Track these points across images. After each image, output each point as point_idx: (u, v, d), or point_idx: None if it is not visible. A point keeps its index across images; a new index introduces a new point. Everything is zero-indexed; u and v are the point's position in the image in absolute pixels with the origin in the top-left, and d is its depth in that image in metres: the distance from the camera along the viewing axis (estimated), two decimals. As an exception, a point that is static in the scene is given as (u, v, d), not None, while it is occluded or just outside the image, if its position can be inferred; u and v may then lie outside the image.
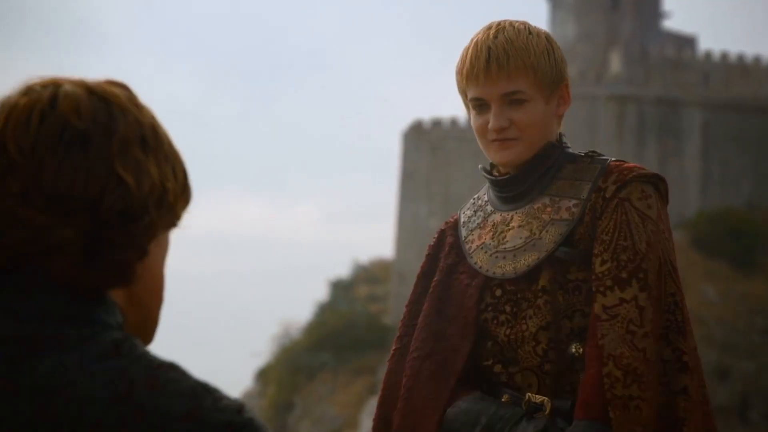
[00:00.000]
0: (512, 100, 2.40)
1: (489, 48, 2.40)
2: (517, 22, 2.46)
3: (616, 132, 57.20)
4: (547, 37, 2.45)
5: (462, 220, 2.58)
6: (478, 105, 2.44)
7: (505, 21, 2.46)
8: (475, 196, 2.61)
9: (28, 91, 1.30)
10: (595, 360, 2.29)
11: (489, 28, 2.44)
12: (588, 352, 2.32)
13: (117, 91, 1.33)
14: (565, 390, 2.36)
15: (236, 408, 1.24)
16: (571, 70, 58.63)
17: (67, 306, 1.27)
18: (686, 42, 62.34)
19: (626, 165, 2.44)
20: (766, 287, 45.27)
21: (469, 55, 2.43)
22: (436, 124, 54.25)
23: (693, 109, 57.95)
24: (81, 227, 1.27)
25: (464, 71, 2.43)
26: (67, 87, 1.30)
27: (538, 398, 2.36)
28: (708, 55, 59.66)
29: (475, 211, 2.56)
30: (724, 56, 59.77)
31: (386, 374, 2.55)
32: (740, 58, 59.83)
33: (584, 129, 54.78)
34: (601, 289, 2.33)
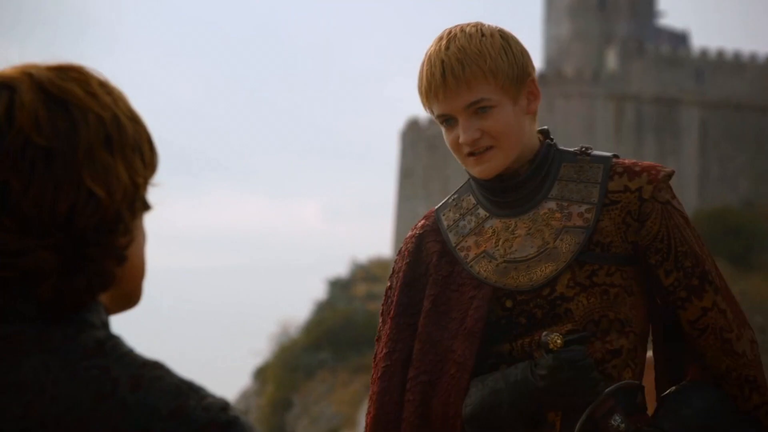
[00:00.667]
0: (478, 109, 2.30)
1: (442, 61, 2.29)
2: (468, 25, 2.35)
3: (614, 131, 57.22)
4: (502, 34, 2.34)
5: (445, 224, 2.44)
6: (445, 120, 2.34)
7: (455, 27, 2.35)
8: (454, 196, 2.48)
9: None
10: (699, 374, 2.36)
11: (440, 39, 2.34)
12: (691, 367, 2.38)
13: (72, 86, 1.27)
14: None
15: (221, 406, 1.23)
16: (567, 70, 58.68)
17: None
18: (678, 38, 62.33)
19: (638, 162, 2.38)
20: (763, 285, 45.31)
21: (424, 73, 2.32)
22: (433, 120, 54.33)
23: (691, 108, 57.95)
24: (56, 248, 1.24)
25: (423, 90, 2.33)
26: (23, 95, 1.24)
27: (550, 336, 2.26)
28: (704, 53, 59.64)
29: (463, 215, 2.43)
30: (720, 53, 59.74)
31: (377, 394, 2.39)
32: (736, 55, 59.82)
33: (582, 128, 54.80)
34: (678, 303, 2.31)
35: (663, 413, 2.30)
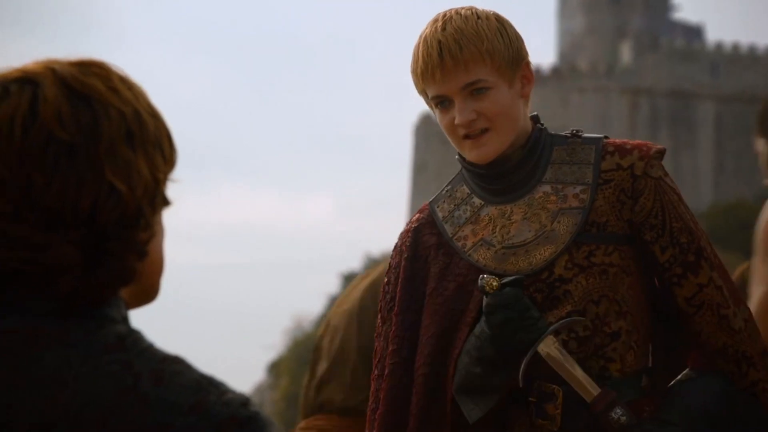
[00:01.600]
0: (474, 90, 2.30)
1: (439, 41, 2.29)
2: (463, 8, 2.35)
3: (628, 125, 57.07)
4: (497, 17, 2.34)
5: (440, 215, 2.44)
6: (441, 102, 2.33)
7: (450, 10, 2.35)
8: (447, 188, 2.48)
9: (4, 93, 1.25)
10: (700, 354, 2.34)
11: (435, 20, 2.34)
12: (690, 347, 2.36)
13: (94, 81, 1.27)
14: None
15: (241, 402, 1.24)
16: (581, 64, 58.56)
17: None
18: (693, 32, 62.12)
19: (628, 141, 2.38)
20: (779, 279, 44.99)
21: (420, 53, 2.32)
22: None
23: (705, 101, 57.74)
24: (79, 242, 1.25)
25: (419, 71, 2.32)
26: (46, 90, 1.25)
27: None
28: (719, 46, 59.38)
29: (457, 205, 2.43)
30: (735, 47, 59.51)
31: (386, 390, 2.39)
32: (751, 48, 59.58)
33: (596, 122, 54.69)
34: (674, 279, 2.30)
35: (667, 404, 2.30)
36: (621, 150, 2.35)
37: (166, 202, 1.33)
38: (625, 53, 58.00)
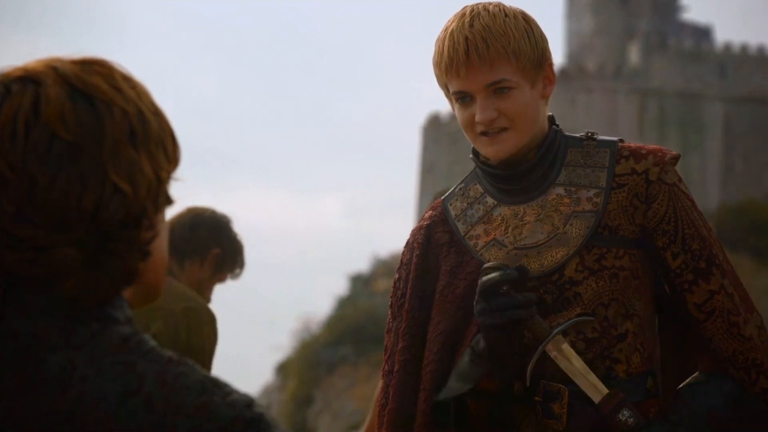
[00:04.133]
0: (497, 89, 2.29)
1: (466, 38, 2.27)
2: (491, 4, 2.33)
3: (637, 126, 57.03)
4: (524, 16, 2.32)
5: (452, 213, 2.44)
6: (462, 98, 2.32)
7: (478, 5, 2.33)
8: (460, 185, 2.48)
9: (6, 92, 1.24)
10: (710, 362, 2.33)
11: (463, 15, 2.31)
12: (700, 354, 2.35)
13: (97, 80, 1.26)
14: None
15: (246, 403, 1.23)
16: (589, 65, 58.54)
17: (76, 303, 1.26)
18: (702, 32, 62.02)
19: (643, 146, 2.38)
20: (787, 281, 44.97)
21: (446, 47, 2.29)
22: (455, 115, 54.47)
23: (714, 102, 57.64)
24: (82, 243, 1.24)
25: (443, 65, 2.30)
26: (49, 89, 1.24)
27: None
28: (727, 47, 59.30)
29: (470, 204, 2.43)
30: (744, 48, 59.42)
31: (396, 387, 2.40)
32: (760, 49, 59.49)
33: (604, 123, 54.66)
34: (685, 286, 2.30)
35: (675, 406, 2.30)
36: (636, 154, 2.34)
37: (169, 202, 1.32)
38: (633, 54, 57.95)
